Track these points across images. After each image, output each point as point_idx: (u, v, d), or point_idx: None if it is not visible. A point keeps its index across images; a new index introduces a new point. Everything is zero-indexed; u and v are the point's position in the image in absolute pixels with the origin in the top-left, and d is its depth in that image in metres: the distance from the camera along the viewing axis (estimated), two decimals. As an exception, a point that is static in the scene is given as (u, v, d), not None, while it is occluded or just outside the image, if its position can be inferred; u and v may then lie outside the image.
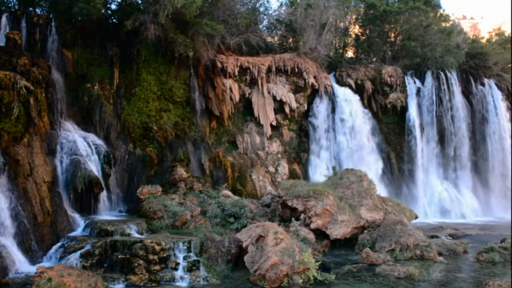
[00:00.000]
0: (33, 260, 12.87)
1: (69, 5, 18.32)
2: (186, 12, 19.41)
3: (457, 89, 27.72)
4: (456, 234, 18.46)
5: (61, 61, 18.62)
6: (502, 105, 28.49)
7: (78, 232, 14.77)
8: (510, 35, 32.09)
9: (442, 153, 27.21)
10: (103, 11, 19.63)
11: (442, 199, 25.70)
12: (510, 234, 15.35)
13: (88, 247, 12.70)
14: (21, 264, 12.32)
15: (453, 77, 27.77)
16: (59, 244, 13.61)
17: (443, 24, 30.48)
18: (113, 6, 21.05)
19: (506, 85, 29.97)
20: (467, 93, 28.60)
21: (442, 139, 27.26)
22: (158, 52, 20.53)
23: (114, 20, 21.03)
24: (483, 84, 28.83)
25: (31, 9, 19.56)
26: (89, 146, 17.30)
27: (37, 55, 17.30)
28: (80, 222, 15.28)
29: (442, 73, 27.57)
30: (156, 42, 19.76)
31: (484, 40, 32.48)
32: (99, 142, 18.05)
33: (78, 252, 12.50)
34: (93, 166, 16.69)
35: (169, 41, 19.75)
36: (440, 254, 14.52)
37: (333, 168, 18.97)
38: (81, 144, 17.08)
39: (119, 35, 19.94)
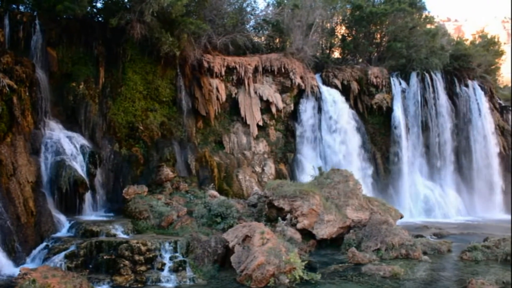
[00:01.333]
0: (16, 261, 12.67)
1: (53, 3, 18.08)
2: (172, 11, 19.31)
3: (441, 90, 28.06)
4: (441, 233, 18.68)
5: (46, 59, 18.36)
6: (485, 106, 28.93)
7: (62, 233, 14.59)
8: (511, 35, 32.53)
9: (427, 153, 27.52)
10: (88, 9, 19.42)
11: (427, 199, 25.98)
12: (511, 233, 15.49)
13: (72, 248, 12.55)
14: (3, 266, 12.11)
15: (438, 78, 28.11)
16: (43, 245, 13.42)
17: (428, 26, 30.83)
18: (99, 5, 20.86)
19: (489, 86, 30.44)
20: (451, 94, 28.98)
21: (427, 139, 27.58)
22: (144, 51, 20.38)
23: (99, 19, 20.83)
24: (466, 86, 29.24)
25: (14, 6, 19.25)
26: (74, 145, 17.11)
27: (21, 53, 17.05)
28: (64, 222, 15.10)
29: (427, 74, 27.89)
30: (142, 41, 19.62)
31: (467, 42, 32.93)
32: (84, 141, 17.87)
33: (63, 253, 12.34)
34: (78, 166, 16.50)
35: (155, 40, 19.63)
36: (425, 253, 14.67)
37: (319, 168, 19.05)
38: (66, 143, 16.88)
39: (105, 34, 19.76)
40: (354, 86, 27.23)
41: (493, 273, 12.16)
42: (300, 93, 25.97)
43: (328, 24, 30.59)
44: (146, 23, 18.90)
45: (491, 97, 30.27)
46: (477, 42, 33.29)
